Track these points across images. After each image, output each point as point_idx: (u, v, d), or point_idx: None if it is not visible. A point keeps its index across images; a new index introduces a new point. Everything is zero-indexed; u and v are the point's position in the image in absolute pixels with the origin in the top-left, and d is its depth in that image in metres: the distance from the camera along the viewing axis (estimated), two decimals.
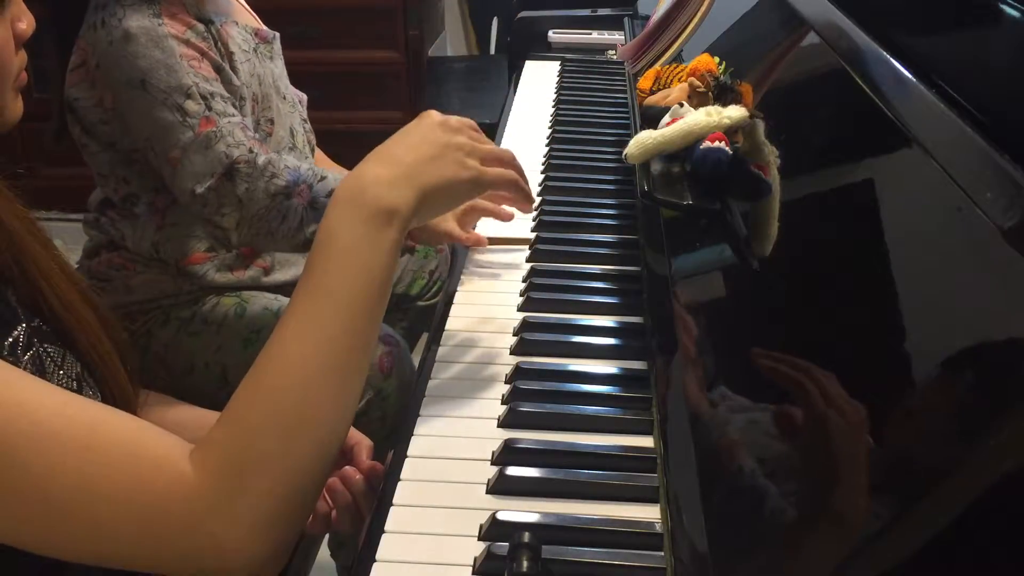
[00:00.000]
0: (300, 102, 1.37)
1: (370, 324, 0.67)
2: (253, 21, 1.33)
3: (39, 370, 0.69)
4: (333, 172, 1.15)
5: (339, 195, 0.70)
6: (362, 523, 0.76)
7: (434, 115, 0.79)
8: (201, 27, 1.15)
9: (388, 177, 0.70)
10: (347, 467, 0.83)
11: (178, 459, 0.62)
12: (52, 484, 0.58)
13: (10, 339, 0.67)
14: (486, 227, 1.19)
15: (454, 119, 0.79)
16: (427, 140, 0.75)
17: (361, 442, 0.86)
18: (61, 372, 0.71)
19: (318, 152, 1.48)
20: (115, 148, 1.18)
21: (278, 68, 1.30)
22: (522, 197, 0.88)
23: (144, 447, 0.62)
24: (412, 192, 0.71)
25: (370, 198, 0.69)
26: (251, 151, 1.10)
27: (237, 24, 1.23)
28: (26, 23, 0.75)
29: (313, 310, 0.66)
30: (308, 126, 1.41)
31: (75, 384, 0.72)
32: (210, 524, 0.61)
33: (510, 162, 0.85)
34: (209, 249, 1.24)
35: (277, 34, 1.34)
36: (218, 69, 1.15)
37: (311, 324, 0.65)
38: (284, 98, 1.30)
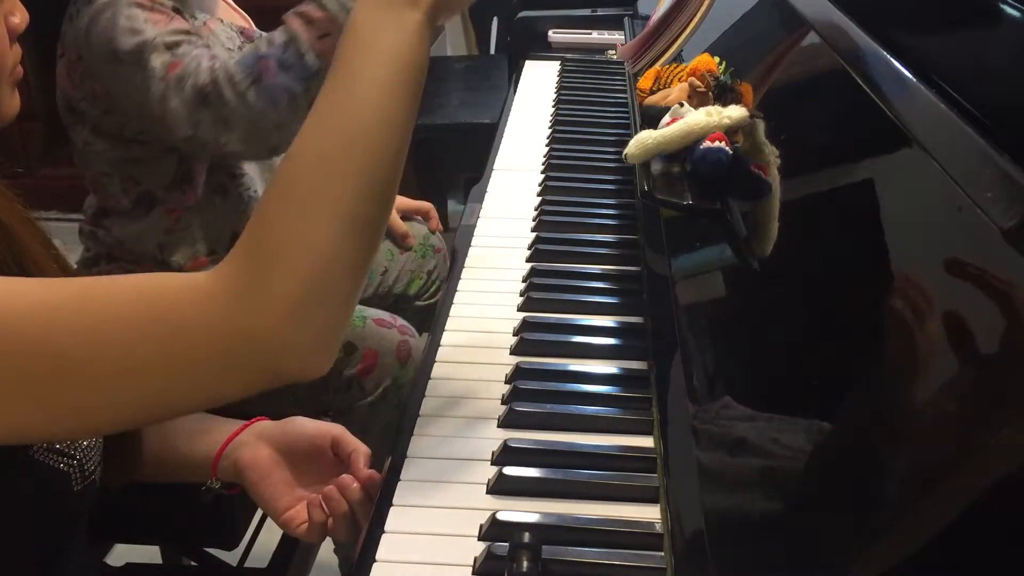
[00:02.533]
0: None
1: (401, 108, 0.63)
2: (240, 21, 1.33)
3: None
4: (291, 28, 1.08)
5: None
6: (359, 532, 0.75)
7: None
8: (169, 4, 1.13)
9: None
10: (344, 475, 0.83)
11: (194, 280, 0.59)
12: (93, 356, 0.56)
13: None
14: (487, 228, 1.19)
15: None
16: None
17: (359, 449, 0.86)
18: None
19: None
20: (124, 139, 1.17)
21: None
22: None
23: (154, 287, 0.59)
24: None
25: None
26: (213, 70, 1.07)
27: (222, 22, 1.23)
28: (19, 17, 0.74)
29: (334, 95, 0.63)
30: None
31: None
32: (254, 323, 0.58)
33: None
34: (210, 252, 1.24)
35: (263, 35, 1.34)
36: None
37: (332, 107, 0.62)
38: None
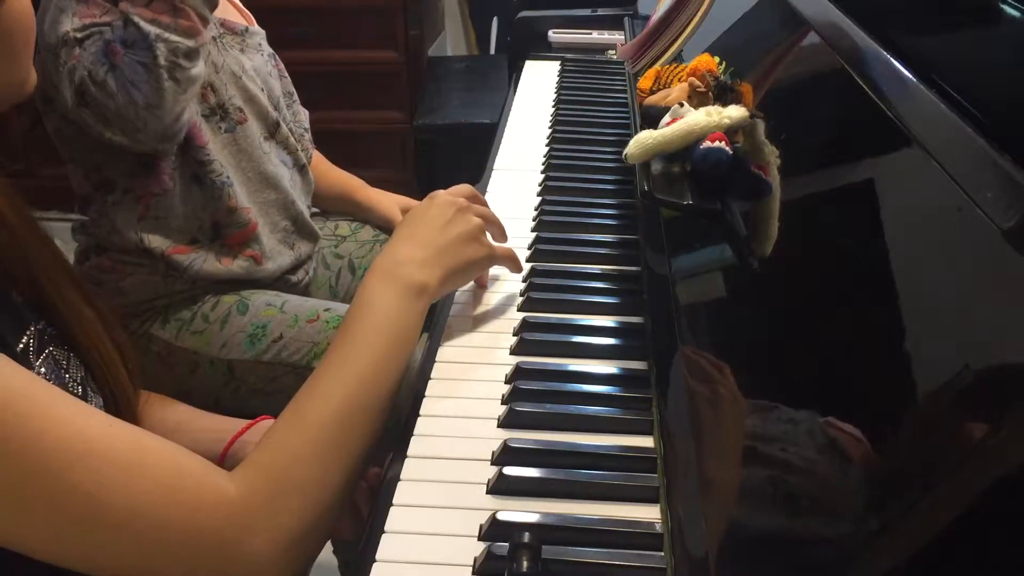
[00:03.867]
0: (294, 115, 1.38)
1: (396, 374, 0.78)
2: (233, 14, 1.33)
3: (55, 373, 0.70)
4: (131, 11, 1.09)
5: (377, 267, 0.83)
6: (363, 529, 0.76)
7: (443, 196, 0.92)
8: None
9: (420, 257, 0.84)
10: None
11: (219, 479, 0.65)
12: (102, 503, 0.60)
13: (21, 345, 0.67)
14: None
15: (461, 199, 0.92)
16: (447, 221, 0.88)
17: None
18: (67, 376, 0.71)
19: (317, 155, 1.48)
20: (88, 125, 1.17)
21: (253, 61, 1.29)
22: (516, 267, 1.01)
23: (186, 467, 0.65)
24: (439, 271, 0.84)
25: (404, 274, 0.82)
26: (83, 68, 1.08)
27: None
28: None
29: (351, 357, 0.75)
30: (308, 134, 1.41)
31: (80, 389, 0.72)
32: (250, 541, 0.64)
33: (502, 230, 0.99)
34: (191, 241, 1.25)
35: (258, 30, 1.34)
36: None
37: (350, 368, 0.74)
38: (261, 90, 1.30)
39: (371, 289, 0.80)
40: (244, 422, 0.87)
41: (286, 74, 1.41)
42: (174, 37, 1.08)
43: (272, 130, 1.31)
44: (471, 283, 1.02)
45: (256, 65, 1.30)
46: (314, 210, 1.46)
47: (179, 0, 1.09)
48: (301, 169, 1.38)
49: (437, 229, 0.87)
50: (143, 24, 1.07)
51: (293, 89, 1.42)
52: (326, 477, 0.69)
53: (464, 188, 0.96)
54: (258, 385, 1.25)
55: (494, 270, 1.07)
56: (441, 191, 0.93)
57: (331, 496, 0.70)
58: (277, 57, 1.40)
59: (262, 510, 0.65)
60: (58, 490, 0.59)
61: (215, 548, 0.64)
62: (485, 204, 0.99)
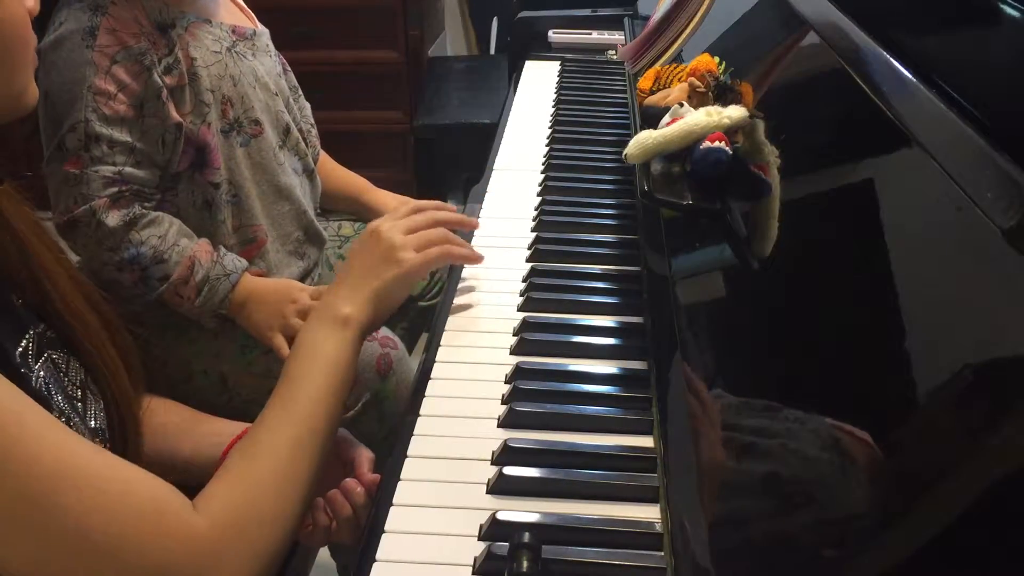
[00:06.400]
0: (300, 110, 1.37)
1: (335, 400, 0.82)
2: (241, 18, 1.32)
3: (54, 377, 0.69)
4: (186, 246, 1.17)
5: (310, 315, 0.90)
6: (362, 533, 0.76)
7: (372, 225, 0.97)
8: (143, 45, 1.13)
9: (344, 293, 0.89)
10: (348, 479, 0.83)
11: (191, 513, 0.68)
12: (88, 529, 0.62)
13: (20, 349, 0.67)
14: (487, 228, 1.19)
15: (388, 219, 0.98)
16: (366, 250, 0.94)
17: (363, 454, 0.86)
18: (66, 379, 0.71)
19: (323, 155, 1.48)
20: None
21: (264, 64, 1.28)
22: (464, 260, 1.05)
23: (166, 500, 0.67)
24: (362, 297, 0.89)
25: (330, 312, 0.87)
26: (94, 212, 1.11)
27: (210, 23, 1.21)
28: (33, 1, 0.74)
29: (290, 392, 0.80)
30: (314, 130, 1.40)
31: (79, 392, 0.72)
32: (218, 572, 0.67)
33: (438, 236, 1.00)
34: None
35: (264, 30, 1.33)
36: (140, 102, 1.13)
37: (292, 403, 0.79)
38: (275, 95, 1.29)
39: (304, 331, 0.87)
40: (244, 425, 0.87)
41: (289, 68, 1.41)
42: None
43: (284, 136, 1.30)
44: (471, 284, 1.02)
45: (267, 68, 1.29)
46: (317, 210, 1.46)
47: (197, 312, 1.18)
48: (310, 175, 1.37)
49: (358, 260, 0.94)
50: (159, 293, 1.16)
51: (296, 83, 1.41)
52: (285, 507, 0.73)
53: (408, 205, 1.03)
54: (251, 396, 1.24)
55: (494, 270, 1.07)
56: (380, 220, 0.99)
57: (289, 523, 0.73)
58: (280, 53, 1.40)
59: (228, 544, 0.68)
60: (47, 514, 0.60)
61: None
62: (441, 210, 1.04)
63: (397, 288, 0.93)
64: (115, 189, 1.12)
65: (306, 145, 1.35)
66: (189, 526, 0.67)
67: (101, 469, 0.64)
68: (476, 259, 1.05)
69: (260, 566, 0.70)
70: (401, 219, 0.98)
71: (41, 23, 0.76)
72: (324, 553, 1.35)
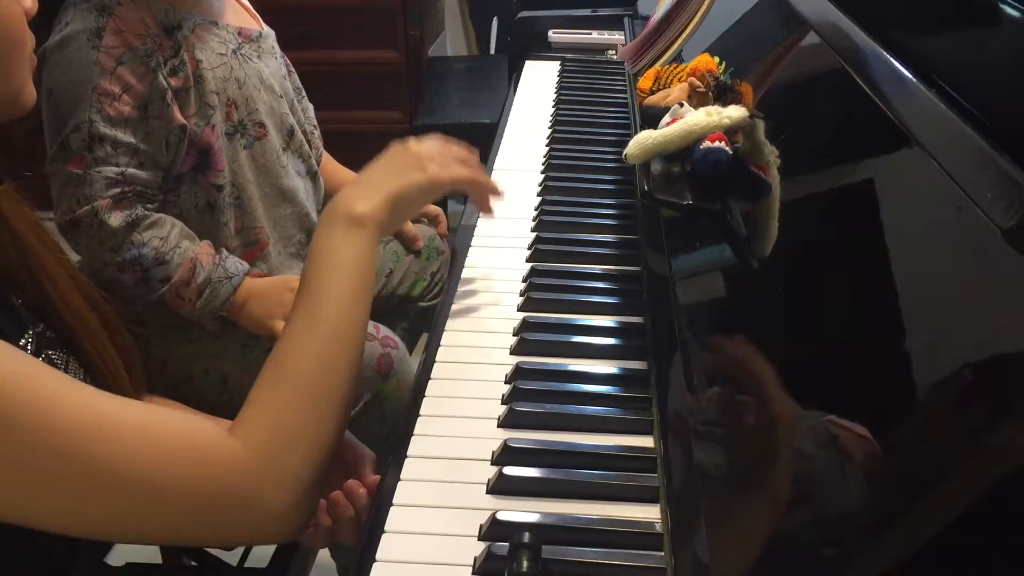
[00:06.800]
0: (303, 111, 1.37)
1: (360, 306, 0.79)
2: (247, 20, 1.31)
3: None
4: (188, 248, 1.17)
5: (321, 218, 0.85)
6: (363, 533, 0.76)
7: (404, 140, 0.93)
8: (149, 46, 1.13)
9: (359, 192, 0.85)
10: (351, 480, 0.83)
11: (225, 438, 0.68)
12: (120, 472, 0.62)
13: (18, 347, 0.67)
14: (487, 228, 1.19)
15: (426, 139, 0.94)
16: (392, 157, 0.91)
17: (365, 455, 0.86)
18: None
19: (326, 155, 1.48)
20: None
21: (269, 67, 1.28)
22: (487, 191, 1.00)
23: (197, 429, 0.67)
24: (379, 198, 0.84)
25: (342, 210, 0.83)
26: (96, 213, 1.11)
27: (216, 25, 1.21)
28: (31, 1, 0.74)
29: (312, 304, 0.77)
30: (317, 131, 1.40)
31: None
32: (263, 492, 0.67)
33: (473, 161, 0.98)
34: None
35: (270, 32, 1.32)
36: (145, 103, 1.13)
37: (314, 314, 0.76)
38: (280, 97, 1.28)
39: (318, 236, 0.82)
40: None
41: (292, 69, 1.41)
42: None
43: (288, 139, 1.30)
44: (471, 284, 1.02)
45: (273, 70, 1.29)
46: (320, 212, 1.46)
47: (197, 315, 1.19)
48: (314, 177, 1.37)
49: (379, 166, 0.89)
50: (161, 295, 1.16)
51: (300, 84, 1.42)
52: (319, 419, 0.72)
53: (437, 136, 0.97)
54: None
55: (494, 270, 1.07)
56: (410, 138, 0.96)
57: (327, 437, 0.72)
58: (284, 54, 1.40)
59: (268, 462, 0.68)
60: (76, 464, 0.60)
61: (232, 505, 0.66)
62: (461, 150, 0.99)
63: (417, 195, 0.90)
64: (118, 190, 1.12)
65: (309, 147, 1.35)
66: (225, 452, 0.67)
67: (124, 412, 0.64)
68: (497, 192, 1.02)
69: (306, 480, 0.69)
70: (435, 138, 0.95)
71: (44, 23, 0.76)
72: (324, 553, 1.35)
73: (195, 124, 1.16)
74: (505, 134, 1.52)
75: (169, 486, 0.63)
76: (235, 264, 1.20)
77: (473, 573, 0.66)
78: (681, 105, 0.99)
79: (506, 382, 0.88)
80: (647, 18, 1.49)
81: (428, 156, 0.91)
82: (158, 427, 0.65)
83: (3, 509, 0.60)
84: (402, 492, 0.74)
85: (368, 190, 0.85)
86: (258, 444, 0.68)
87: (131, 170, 1.12)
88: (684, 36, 1.28)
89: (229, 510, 0.66)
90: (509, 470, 0.75)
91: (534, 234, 1.15)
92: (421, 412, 0.84)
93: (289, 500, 0.68)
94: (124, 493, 0.62)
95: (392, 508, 0.72)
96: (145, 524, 0.65)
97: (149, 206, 1.16)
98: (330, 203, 0.85)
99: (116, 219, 1.12)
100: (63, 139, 1.11)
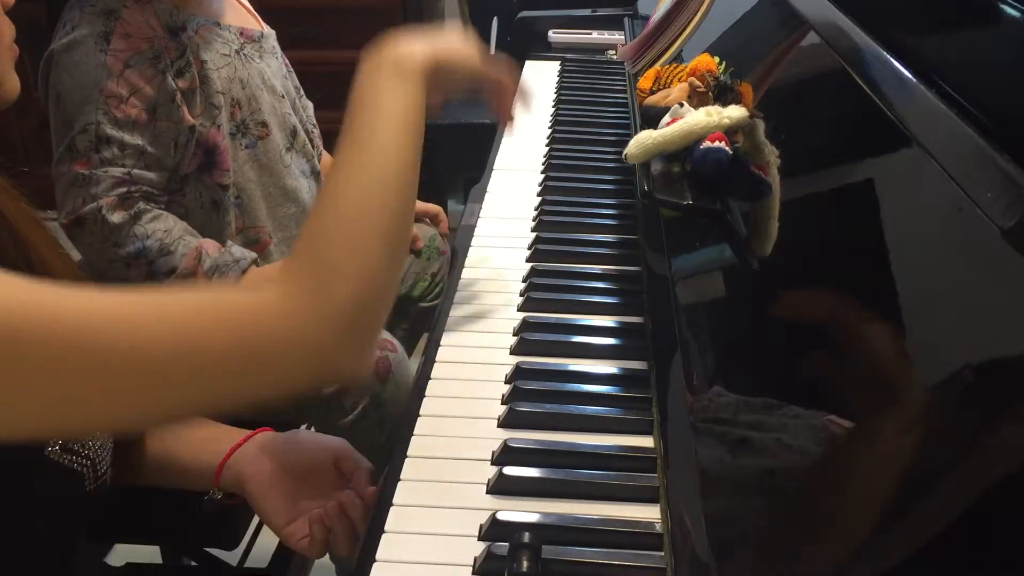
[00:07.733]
0: (304, 110, 1.37)
1: (408, 145, 0.75)
2: (248, 20, 1.32)
3: None
4: (190, 242, 1.16)
5: (365, 65, 0.79)
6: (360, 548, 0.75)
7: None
8: (156, 49, 1.13)
9: (404, 40, 0.80)
10: (347, 492, 0.83)
11: (253, 291, 0.65)
12: (143, 354, 0.59)
13: None
14: (487, 228, 1.19)
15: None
16: (434, 30, 0.84)
17: (362, 466, 0.85)
18: None
19: (325, 156, 1.48)
20: None
21: (271, 67, 1.28)
22: (509, 95, 0.95)
23: (210, 294, 0.64)
24: (426, 47, 0.79)
25: (386, 55, 0.78)
26: (100, 210, 1.11)
27: (219, 26, 1.21)
28: None
29: (355, 144, 0.73)
30: (317, 130, 1.41)
31: None
32: (302, 330, 0.63)
33: (504, 66, 0.93)
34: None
35: (270, 32, 1.33)
36: (154, 105, 1.13)
37: (356, 152, 0.73)
38: (282, 97, 1.29)
39: (361, 83, 0.78)
40: (244, 432, 0.87)
41: (291, 68, 1.41)
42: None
43: (291, 139, 1.30)
44: (471, 284, 1.02)
45: (274, 70, 1.29)
46: None
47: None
48: (317, 176, 1.38)
49: (423, 33, 0.84)
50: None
51: (299, 83, 1.42)
52: (367, 254, 0.68)
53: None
54: None
55: (494, 270, 1.07)
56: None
57: (375, 274, 0.68)
58: (284, 54, 1.40)
59: (305, 294, 0.64)
60: (96, 359, 0.57)
61: (280, 348, 0.63)
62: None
63: (459, 68, 0.85)
64: (124, 189, 1.12)
65: (312, 146, 1.35)
66: (250, 300, 0.63)
67: (131, 298, 0.61)
68: (525, 99, 0.98)
69: (348, 319, 0.65)
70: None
71: (46, 24, 0.76)
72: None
73: (201, 124, 1.16)
74: (505, 134, 1.52)
75: (197, 353, 0.60)
76: (241, 250, 1.20)
77: (473, 573, 0.66)
78: (681, 105, 0.99)
79: (506, 382, 0.88)
80: (647, 18, 1.49)
81: (473, 49, 0.87)
82: (168, 301, 0.62)
83: (35, 422, 0.57)
84: (402, 492, 0.74)
85: (414, 39, 0.80)
86: (291, 286, 0.64)
87: (137, 171, 1.13)
88: (684, 36, 1.28)
89: (277, 354, 0.63)
90: (509, 470, 0.75)
91: (534, 234, 1.15)
92: (421, 412, 0.84)
93: (330, 336, 0.64)
94: (156, 370, 0.59)
95: (392, 508, 0.72)
96: (188, 400, 0.61)
97: (154, 205, 1.16)
98: (373, 50, 0.80)
99: (119, 215, 1.12)
100: (70, 140, 1.11)
